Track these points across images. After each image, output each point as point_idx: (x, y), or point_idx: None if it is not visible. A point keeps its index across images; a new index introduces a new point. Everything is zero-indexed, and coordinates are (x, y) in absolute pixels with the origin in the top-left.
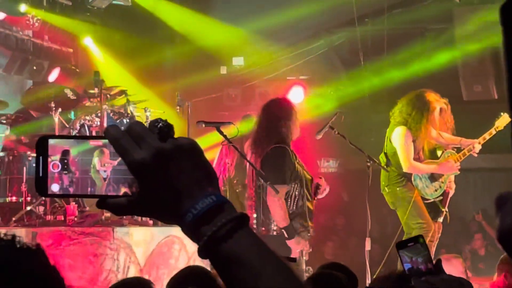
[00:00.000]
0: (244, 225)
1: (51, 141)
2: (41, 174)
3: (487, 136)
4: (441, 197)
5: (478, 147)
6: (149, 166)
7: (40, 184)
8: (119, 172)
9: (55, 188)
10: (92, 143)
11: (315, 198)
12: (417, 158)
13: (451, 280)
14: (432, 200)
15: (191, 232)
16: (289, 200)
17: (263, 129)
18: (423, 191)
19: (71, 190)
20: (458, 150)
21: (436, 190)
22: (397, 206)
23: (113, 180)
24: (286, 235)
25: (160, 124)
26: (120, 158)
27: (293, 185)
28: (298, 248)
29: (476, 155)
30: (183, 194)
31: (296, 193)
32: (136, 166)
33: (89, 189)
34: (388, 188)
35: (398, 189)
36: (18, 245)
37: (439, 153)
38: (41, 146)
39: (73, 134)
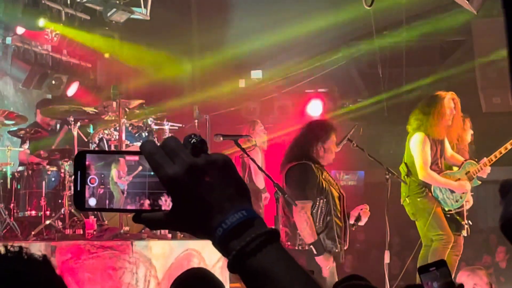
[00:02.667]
0: (273, 240)
1: (89, 156)
2: (79, 188)
3: (497, 154)
4: (461, 209)
5: (488, 169)
6: (181, 181)
7: (78, 198)
8: (136, 185)
9: (92, 202)
10: (128, 158)
11: (354, 226)
12: (436, 168)
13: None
14: (453, 211)
15: (221, 246)
16: (315, 216)
17: (299, 147)
18: (444, 202)
19: (108, 204)
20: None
21: (456, 201)
22: (417, 217)
23: (131, 193)
24: (314, 251)
25: (194, 139)
26: (137, 172)
27: (318, 201)
28: (328, 264)
29: (485, 175)
30: (214, 209)
31: (323, 209)
32: (169, 181)
33: (132, 204)
34: (408, 199)
35: (418, 199)
36: (25, 256)
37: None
38: (79, 161)
39: (92, 148)
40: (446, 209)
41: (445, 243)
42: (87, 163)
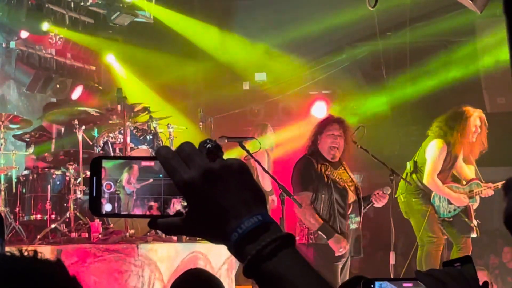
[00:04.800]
0: (289, 245)
1: (104, 162)
2: (94, 194)
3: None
4: (466, 210)
5: (490, 192)
6: (197, 185)
7: (94, 204)
8: (145, 189)
9: (108, 208)
10: (144, 163)
11: (365, 209)
12: (444, 177)
13: (454, 273)
14: (443, 219)
15: (237, 251)
16: (318, 208)
17: (307, 144)
18: (438, 209)
19: (123, 210)
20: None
21: (449, 212)
22: (410, 216)
23: (139, 197)
24: (324, 236)
25: (209, 144)
26: (147, 182)
27: (319, 196)
28: (340, 247)
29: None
30: (229, 214)
31: (324, 204)
32: (185, 185)
33: (141, 209)
34: (403, 197)
35: (413, 200)
36: (40, 258)
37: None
38: (95, 167)
39: (97, 151)
40: (439, 215)
41: (436, 245)
42: (103, 169)
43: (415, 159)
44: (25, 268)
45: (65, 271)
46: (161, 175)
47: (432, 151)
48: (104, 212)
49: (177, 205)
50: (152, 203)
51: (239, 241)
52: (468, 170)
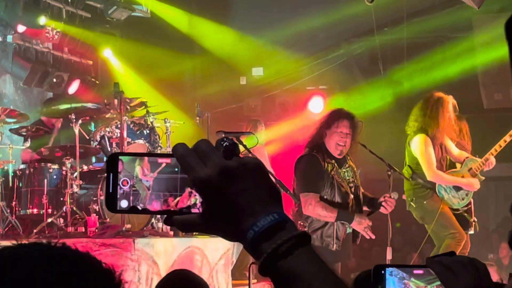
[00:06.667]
0: (305, 243)
1: (121, 159)
2: (111, 191)
3: (497, 148)
4: (469, 206)
5: (493, 159)
6: (213, 183)
7: (110, 200)
8: (161, 184)
9: (124, 204)
10: (161, 160)
11: (369, 215)
12: (439, 168)
13: (464, 261)
14: (460, 210)
15: (252, 249)
16: None
17: (312, 138)
18: (450, 202)
19: (139, 206)
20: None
21: (462, 199)
22: (426, 220)
23: (155, 191)
24: (346, 223)
25: (226, 142)
26: (161, 168)
27: (322, 195)
28: (363, 226)
29: (490, 167)
30: (245, 212)
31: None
32: (201, 183)
33: (156, 205)
34: (414, 203)
35: (425, 202)
36: (70, 248)
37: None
38: (111, 163)
39: (94, 145)
40: (454, 207)
41: (458, 241)
42: (119, 165)
43: (408, 164)
44: (56, 257)
45: (99, 263)
46: (176, 169)
47: (419, 147)
48: (119, 209)
49: (192, 201)
50: (167, 199)
51: (255, 239)
52: (457, 150)
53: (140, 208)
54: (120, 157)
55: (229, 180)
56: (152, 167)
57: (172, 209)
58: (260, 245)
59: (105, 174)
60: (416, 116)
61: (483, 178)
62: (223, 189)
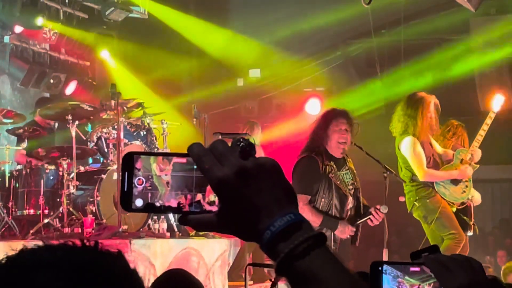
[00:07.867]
0: (321, 244)
1: (136, 158)
2: (126, 189)
3: (482, 133)
4: (466, 203)
5: (478, 152)
6: (230, 183)
7: (125, 199)
8: (177, 182)
9: (139, 203)
10: (176, 160)
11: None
12: (435, 164)
13: (460, 259)
14: (466, 203)
15: (269, 249)
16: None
17: (309, 139)
18: (452, 197)
19: (154, 205)
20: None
21: (463, 192)
22: (429, 219)
23: (170, 192)
24: (330, 229)
25: (242, 143)
26: (173, 160)
27: (318, 199)
28: (347, 234)
29: (478, 159)
30: (262, 212)
31: (323, 207)
32: (218, 183)
33: (171, 203)
34: (417, 203)
35: (428, 201)
36: (101, 250)
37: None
38: (126, 162)
39: (90, 146)
40: (459, 202)
41: (457, 242)
42: (134, 164)
43: (406, 167)
44: (87, 259)
45: (126, 263)
46: (194, 167)
47: (407, 149)
48: (134, 207)
49: (208, 200)
50: (182, 199)
51: (272, 239)
52: (441, 149)
53: (157, 206)
54: (135, 157)
55: (246, 180)
56: (164, 164)
57: (187, 207)
58: (277, 245)
59: (105, 175)
60: (399, 116)
61: (478, 166)
62: (240, 189)
